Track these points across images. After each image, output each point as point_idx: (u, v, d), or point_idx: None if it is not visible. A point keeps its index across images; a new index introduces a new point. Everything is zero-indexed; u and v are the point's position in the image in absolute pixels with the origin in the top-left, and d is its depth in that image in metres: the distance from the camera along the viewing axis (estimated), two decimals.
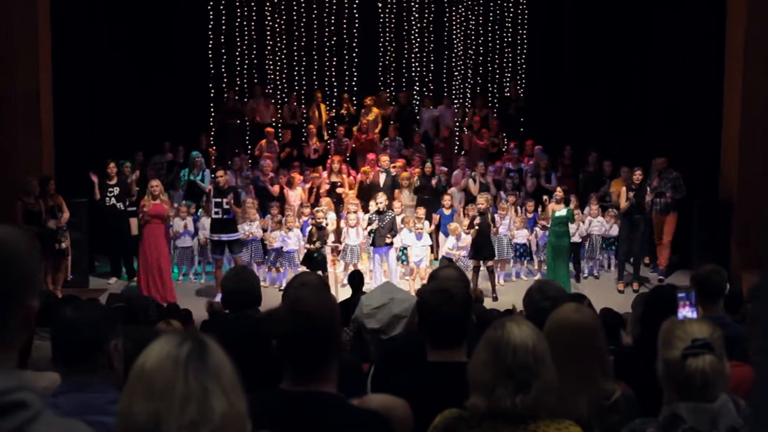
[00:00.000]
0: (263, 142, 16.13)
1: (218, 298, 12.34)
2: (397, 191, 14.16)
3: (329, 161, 15.16)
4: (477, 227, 12.36)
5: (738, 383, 3.39)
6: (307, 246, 12.53)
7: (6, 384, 1.69)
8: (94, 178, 13.18)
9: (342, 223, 13.32)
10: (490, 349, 2.64)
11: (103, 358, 2.87)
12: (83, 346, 2.87)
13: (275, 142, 16.22)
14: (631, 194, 12.89)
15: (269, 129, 16.37)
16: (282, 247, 13.06)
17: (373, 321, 5.49)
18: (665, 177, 13.00)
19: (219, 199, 12.46)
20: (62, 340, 2.94)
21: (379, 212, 12.76)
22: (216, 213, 12.46)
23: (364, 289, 9.73)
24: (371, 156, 15.21)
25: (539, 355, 2.62)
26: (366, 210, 13.36)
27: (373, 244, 12.81)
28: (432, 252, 13.63)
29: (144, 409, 1.74)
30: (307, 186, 14.62)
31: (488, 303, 11.54)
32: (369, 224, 12.77)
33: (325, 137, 16.96)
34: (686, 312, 3.64)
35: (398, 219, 13.05)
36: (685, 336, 2.78)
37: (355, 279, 10.10)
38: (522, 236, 13.55)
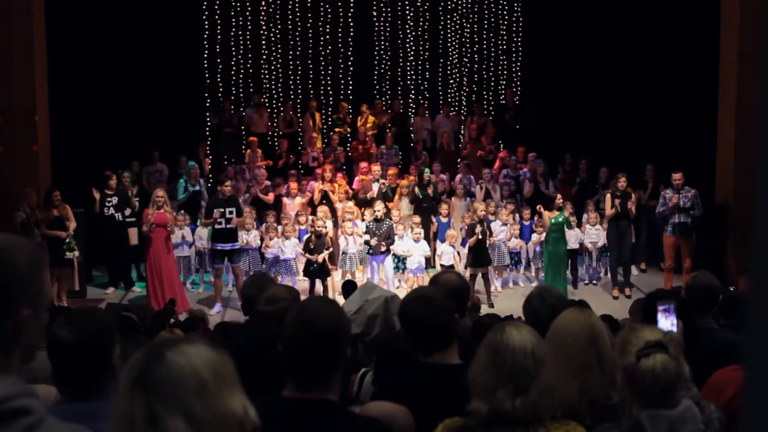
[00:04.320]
0: (249, 151, 16.16)
1: (217, 308, 12.37)
2: (396, 199, 14.15)
3: (320, 170, 15.15)
4: (479, 236, 12.36)
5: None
6: (307, 255, 12.55)
7: (8, 391, 1.68)
8: (96, 195, 13.12)
9: (339, 232, 13.33)
10: (490, 353, 2.66)
11: (108, 372, 2.79)
12: (87, 370, 2.75)
13: (259, 151, 16.18)
14: (617, 201, 12.76)
15: (253, 138, 16.35)
16: (279, 256, 13.05)
17: (354, 326, 5.54)
18: (683, 195, 12.49)
19: (222, 209, 12.48)
20: (62, 365, 2.78)
21: (376, 220, 12.78)
22: (219, 223, 12.48)
23: None
24: (364, 165, 15.22)
25: (538, 358, 2.64)
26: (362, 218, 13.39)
27: (369, 252, 12.82)
28: (432, 260, 13.66)
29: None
30: (306, 196, 14.57)
31: (484, 309, 11.54)
32: (366, 232, 12.78)
33: (320, 146, 16.96)
34: (667, 324, 3.61)
35: (395, 227, 13.02)
36: (638, 341, 2.83)
37: (349, 288, 10.07)
38: (515, 243, 13.59)
